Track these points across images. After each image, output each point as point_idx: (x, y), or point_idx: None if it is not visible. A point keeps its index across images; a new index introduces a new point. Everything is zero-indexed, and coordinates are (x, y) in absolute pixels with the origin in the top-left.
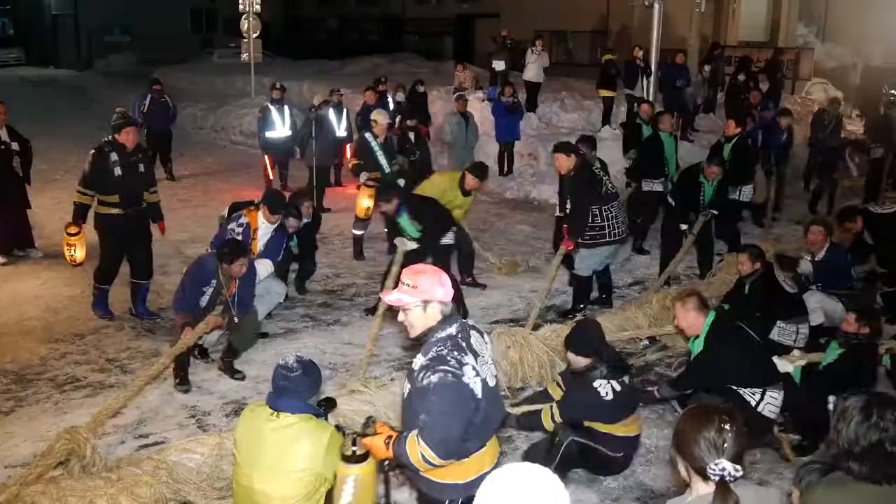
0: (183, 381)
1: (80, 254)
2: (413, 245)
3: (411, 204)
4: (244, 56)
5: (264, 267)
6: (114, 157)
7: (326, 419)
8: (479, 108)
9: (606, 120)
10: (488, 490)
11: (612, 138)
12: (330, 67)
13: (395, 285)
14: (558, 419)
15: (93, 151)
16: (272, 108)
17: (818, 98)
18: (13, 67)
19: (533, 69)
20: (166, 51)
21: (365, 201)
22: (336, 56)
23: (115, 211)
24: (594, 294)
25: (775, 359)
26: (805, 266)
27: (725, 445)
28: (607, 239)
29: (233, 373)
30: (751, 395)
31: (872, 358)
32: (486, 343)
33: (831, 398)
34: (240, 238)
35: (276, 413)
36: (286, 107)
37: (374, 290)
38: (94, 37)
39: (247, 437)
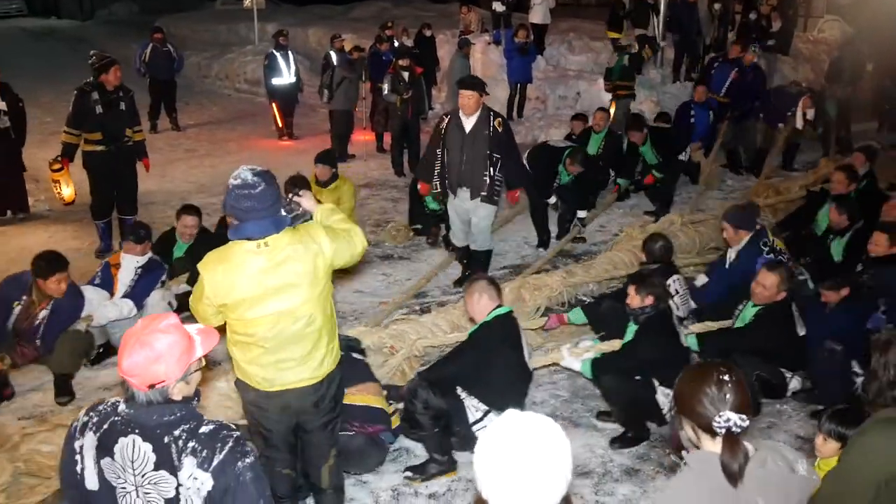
0: (62, 394)
1: (66, 191)
2: (187, 287)
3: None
4: (247, 2)
5: (115, 309)
6: (95, 95)
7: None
8: (486, 51)
9: None
10: (489, 438)
11: None
12: (335, 12)
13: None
14: None
15: (75, 92)
16: (277, 54)
17: (831, 36)
18: (14, 18)
19: (539, 11)
20: None
21: None
22: (341, 0)
23: (98, 148)
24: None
25: (564, 352)
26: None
27: (728, 397)
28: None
29: (59, 392)
30: (474, 409)
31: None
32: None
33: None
34: (98, 282)
35: (261, 243)
36: (290, 53)
37: (380, 237)
38: None
39: (239, 283)
